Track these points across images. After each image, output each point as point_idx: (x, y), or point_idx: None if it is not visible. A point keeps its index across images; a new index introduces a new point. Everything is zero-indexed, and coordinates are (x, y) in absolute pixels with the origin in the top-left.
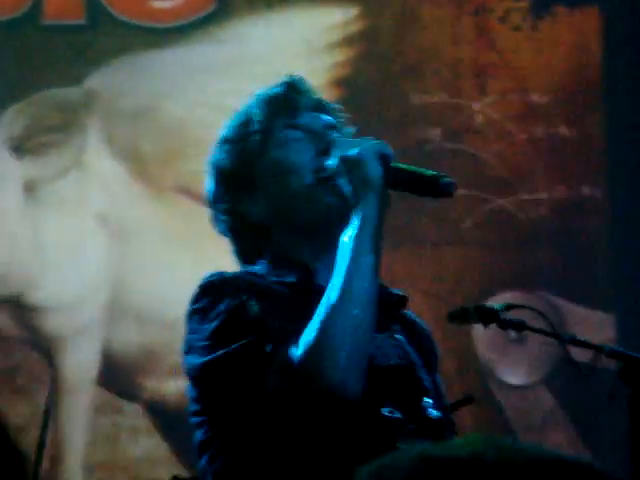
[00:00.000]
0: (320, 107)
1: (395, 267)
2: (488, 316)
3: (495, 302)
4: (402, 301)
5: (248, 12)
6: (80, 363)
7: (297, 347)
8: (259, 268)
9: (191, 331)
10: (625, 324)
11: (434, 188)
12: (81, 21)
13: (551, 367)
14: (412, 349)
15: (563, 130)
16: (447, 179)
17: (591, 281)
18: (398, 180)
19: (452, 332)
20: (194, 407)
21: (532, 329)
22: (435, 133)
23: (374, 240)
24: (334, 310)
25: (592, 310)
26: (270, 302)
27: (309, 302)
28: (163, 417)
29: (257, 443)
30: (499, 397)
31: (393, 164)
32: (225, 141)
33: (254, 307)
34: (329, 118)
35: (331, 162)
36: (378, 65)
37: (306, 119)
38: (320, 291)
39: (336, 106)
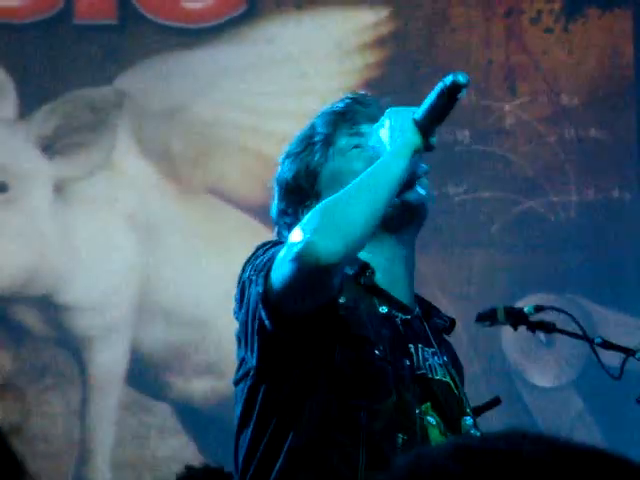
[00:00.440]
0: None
1: (424, 269)
2: (517, 318)
3: (524, 304)
4: (452, 325)
5: (278, 13)
6: (109, 362)
7: None
8: None
9: (241, 278)
10: None
11: (452, 94)
12: (112, 21)
13: (580, 370)
14: (455, 371)
15: (594, 132)
16: (450, 76)
17: (620, 284)
18: (426, 120)
19: (480, 333)
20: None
21: (561, 331)
22: (465, 134)
23: (405, 158)
24: (340, 193)
25: (621, 314)
26: None
27: (364, 296)
28: (191, 416)
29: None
30: (527, 399)
31: (417, 114)
32: (289, 155)
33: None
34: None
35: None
36: (408, 67)
37: (367, 128)
38: (376, 290)
39: None
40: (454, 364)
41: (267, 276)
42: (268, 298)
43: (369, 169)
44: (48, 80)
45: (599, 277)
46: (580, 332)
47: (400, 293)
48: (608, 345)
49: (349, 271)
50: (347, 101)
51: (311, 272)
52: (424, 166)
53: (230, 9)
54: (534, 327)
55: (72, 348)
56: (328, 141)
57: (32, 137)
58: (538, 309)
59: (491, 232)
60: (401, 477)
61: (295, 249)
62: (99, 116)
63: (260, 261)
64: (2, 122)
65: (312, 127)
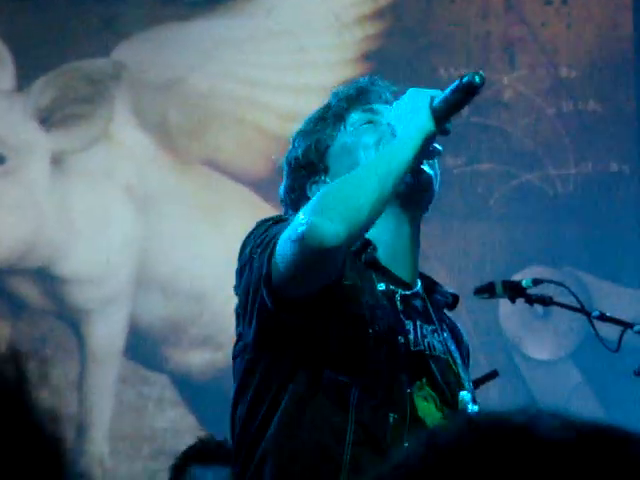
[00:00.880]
0: (392, 103)
1: (422, 241)
2: (515, 291)
3: (522, 277)
4: (455, 300)
5: None
6: (107, 334)
7: None
8: None
9: (239, 261)
10: None
11: (467, 92)
12: None
13: (577, 343)
14: (455, 347)
15: (592, 105)
16: (467, 76)
17: (618, 257)
18: (443, 110)
19: (478, 306)
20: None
21: (559, 304)
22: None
23: (416, 142)
24: (348, 175)
25: (619, 286)
26: None
27: (364, 270)
28: (188, 388)
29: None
30: (525, 372)
31: (436, 101)
32: (300, 133)
33: (287, 222)
34: None
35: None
36: (407, 39)
37: (380, 107)
38: (377, 266)
39: None
40: (457, 341)
41: (271, 255)
42: (270, 278)
43: (379, 152)
44: (46, 52)
45: (597, 250)
46: (578, 305)
47: (401, 270)
48: (606, 318)
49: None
50: (361, 82)
51: (314, 254)
52: (438, 147)
53: None
54: (532, 300)
55: (70, 320)
56: (340, 116)
57: (30, 109)
58: (536, 282)
59: (489, 205)
60: (416, 455)
61: (300, 230)
62: (97, 88)
63: (263, 239)
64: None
65: (326, 106)
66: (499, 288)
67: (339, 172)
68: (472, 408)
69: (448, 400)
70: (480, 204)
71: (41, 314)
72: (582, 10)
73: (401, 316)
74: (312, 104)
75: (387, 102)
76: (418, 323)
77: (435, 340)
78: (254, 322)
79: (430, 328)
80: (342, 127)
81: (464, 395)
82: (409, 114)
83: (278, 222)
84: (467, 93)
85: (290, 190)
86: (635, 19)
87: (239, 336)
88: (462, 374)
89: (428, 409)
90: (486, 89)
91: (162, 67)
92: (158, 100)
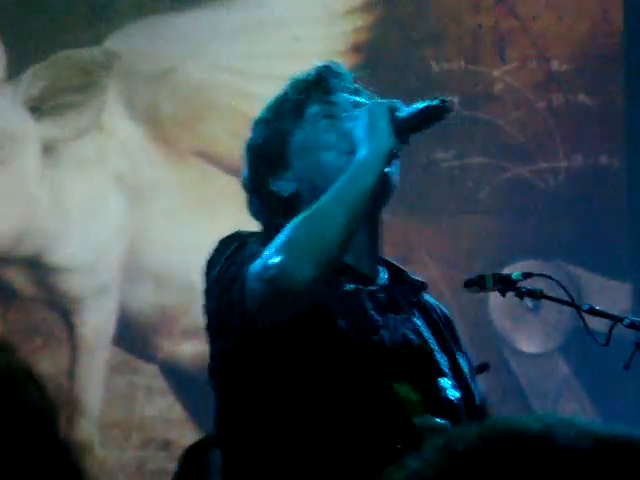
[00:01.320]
0: (355, 90)
1: (411, 236)
2: (506, 284)
3: (512, 271)
4: (422, 287)
5: None
6: (97, 323)
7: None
8: None
9: (204, 282)
10: None
11: (431, 115)
12: None
13: (567, 336)
14: (430, 333)
15: (583, 98)
16: (436, 100)
17: (608, 250)
18: (404, 125)
19: (467, 300)
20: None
21: (550, 298)
22: (454, 100)
23: (378, 166)
24: (316, 209)
25: (609, 279)
26: None
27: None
28: (178, 377)
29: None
30: (514, 365)
31: (399, 114)
32: (260, 121)
33: (253, 244)
34: (363, 100)
35: (344, 125)
36: (398, 31)
37: (339, 99)
38: (346, 272)
39: (370, 93)
40: (434, 324)
41: (242, 290)
42: (243, 310)
43: (344, 179)
44: (37, 41)
45: (587, 243)
46: (568, 298)
47: (364, 265)
48: (596, 312)
49: None
50: (320, 69)
51: (285, 295)
52: (399, 145)
53: None
54: (522, 294)
55: (61, 309)
56: (299, 108)
57: (20, 98)
58: (526, 275)
59: (479, 198)
60: (431, 462)
61: (271, 272)
62: (88, 77)
63: (230, 266)
64: None
65: (284, 93)
66: (489, 281)
67: (301, 164)
68: (453, 394)
69: (426, 389)
70: (470, 198)
71: (32, 303)
72: (573, 3)
73: (372, 313)
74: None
75: (346, 90)
76: (390, 315)
77: (408, 330)
78: (226, 348)
79: (400, 318)
80: (301, 120)
81: (444, 382)
82: (370, 132)
83: (244, 243)
84: (434, 116)
85: (253, 180)
86: (626, 13)
87: (212, 357)
88: (440, 360)
89: (411, 404)
90: (477, 82)
91: (154, 57)
92: (150, 90)
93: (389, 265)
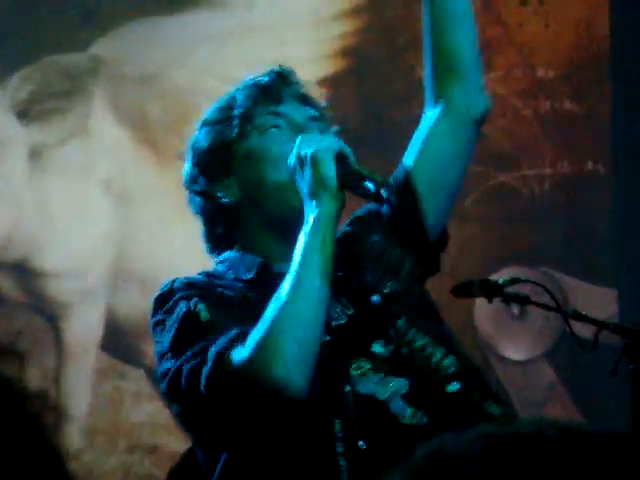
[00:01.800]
0: (305, 100)
1: None
2: (492, 290)
3: (498, 277)
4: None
5: None
6: (84, 328)
7: (244, 346)
8: (218, 267)
9: (155, 344)
10: (627, 300)
11: (377, 197)
12: None
13: (552, 342)
14: (341, 266)
15: (569, 105)
16: (379, 189)
17: (594, 257)
18: (349, 183)
19: (453, 306)
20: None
21: (536, 303)
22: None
23: (327, 239)
24: (282, 307)
25: (595, 285)
26: (222, 304)
27: (267, 299)
28: None
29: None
30: (499, 372)
31: (348, 167)
32: (206, 123)
33: (203, 312)
34: (312, 110)
35: (289, 159)
36: (385, 36)
37: (289, 109)
38: (277, 284)
39: (322, 103)
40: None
41: (211, 382)
42: (203, 399)
43: (299, 262)
44: (23, 46)
45: (573, 250)
46: (554, 304)
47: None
48: (582, 318)
49: (248, 275)
50: (271, 76)
51: (278, 405)
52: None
53: None
54: (509, 299)
55: (47, 314)
56: (246, 116)
57: (7, 103)
58: (513, 281)
59: (465, 205)
60: (425, 466)
61: (268, 385)
62: (75, 82)
63: (182, 343)
64: None
65: (232, 98)
66: (476, 287)
67: (244, 173)
68: (374, 300)
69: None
70: (456, 204)
71: (17, 308)
72: (559, 11)
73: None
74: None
75: (296, 98)
76: (337, 309)
77: (337, 307)
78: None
79: (339, 308)
80: (248, 129)
81: (377, 347)
82: (315, 189)
83: (194, 313)
84: (375, 199)
85: (194, 180)
86: (611, 20)
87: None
88: (383, 320)
89: (366, 379)
90: None
91: (141, 62)
92: (137, 95)
93: None
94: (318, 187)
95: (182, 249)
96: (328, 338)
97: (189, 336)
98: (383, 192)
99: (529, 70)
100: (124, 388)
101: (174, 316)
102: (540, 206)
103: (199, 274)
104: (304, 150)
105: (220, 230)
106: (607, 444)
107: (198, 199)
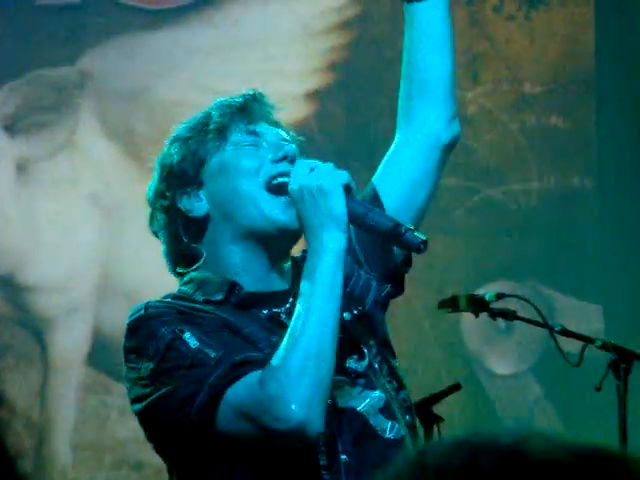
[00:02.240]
0: (277, 123)
1: None
2: (479, 305)
3: (484, 292)
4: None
5: None
6: (70, 343)
7: (245, 381)
8: (184, 288)
9: (129, 370)
10: (613, 315)
11: (395, 240)
12: (75, 1)
13: (539, 357)
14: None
15: (555, 120)
16: (410, 235)
17: (580, 272)
18: (358, 220)
19: (441, 320)
20: (151, 442)
21: (522, 319)
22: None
23: (339, 276)
24: (303, 346)
25: (581, 300)
26: (204, 328)
27: (242, 320)
28: None
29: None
30: (486, 386)
31: (353, 201)
32: (178, 139)
33: (191, 340)
34: (284, 133)
35: (290, 184)
36: (373, 50)
37: (263, 129)
38: (248, 304)
39: (291, 132)
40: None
41: (210, 411)
42: (197, 425)
43: (311, 300)
44: (11, 60)
45: (559, 264)
46: (540, 319)
47: (277, 284)
48: (568, 333)
49: (218, 296)
50: (246, 97)
51: (292, 442)
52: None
53: None
54: (495, 314)
55: (33, 328)
56: (222, 133)
57: None
58: (499, 296)
59: (453, 219)
60: (404, 476)
61: (288, 425)
62: (62, 96)
63: (173, 368)
64: None
65: (207, 115)
66: (462, 302)
67: (217, 187)
68: (345, 316)
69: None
70: (443, 218)
71: (4, 322)
72: (545, 26)
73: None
74: (279, 113)
75: (268, 119)
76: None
77: None
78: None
79: None
80: (222, 145)
81: (351, 362)
82: (323, 224)
83: (177, 336)
84: (399, 244)
85: (161, 196)
86: (596, 35)
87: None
88: (355, 336)
89: (344, 393)
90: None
91: (128, 76)
92: (124, 109)
93: (295, 261)
94: (330, 221)
95: None
96: None
97: (178, 364)
98: (400, 230)
99: (516, 85)
100: (110, 403)
101: (157, 342)
102: (527, 220)
103: (165, 297)
104: (314, 181)
105: (185, 246)
106: (589, 459)
107: (162, 215)
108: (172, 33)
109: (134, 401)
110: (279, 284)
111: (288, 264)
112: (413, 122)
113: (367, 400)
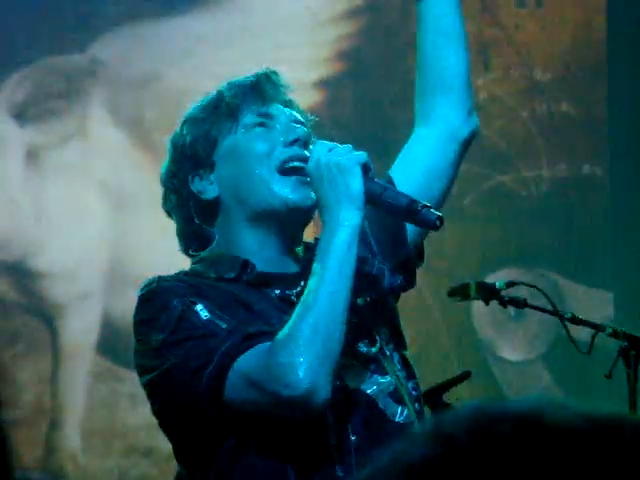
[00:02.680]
0: (290, 104)
1: None
2: (489, 293)
3: (495, 279)
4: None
5: None
6: (80, 330)
7: (255, 351)
8: (196, 267)
9: (139, 343)
10: (623, 302)
11: (411, 217)
12: None
13: (549, 344)
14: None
15: (566, 107)
16: (425, 211)
17: (590, 259)
18: (375, 199)
19: (451, 308)
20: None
21: (533, 307)
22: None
23: (354, 251)
24: (315, 315)
25: (591, 288)
26: (216, 302)
27: (253, 299)
28: None
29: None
30: (496, 373)
31: (370, 180)
32: (190, 119)
33: (203, 311)
34: (297, 114)
35: (309, 163)
36: (382, 38)
37: (275, 110)
38: (260, 283)
39: (305, 112)
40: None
41: (218, 383)
42: (206, 399)
43: (324, 265)
44: (20, 47)
45: (570, 252)
46: (550, 307)
47: (289, 267)
48: (578, 321)
49: (230, 274)
50: (259, 76)
51: (298, 412)
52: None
53: None
54: (505, 302)
55: (43, 315)
56: (234, 114)
57: (4, 104)
58: (510, 284)
59: (463, 206)
60: (421, 445)
61: (292, 393)
62: (72, 84)
63: (183, 338)
64: None
65: (219, 96)
66: (473, 290)
67: (229, 169)
68: (369, 350)
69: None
70: (454, 206)
71: (14, 309)
72: (556, 13)
73: None
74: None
75: (281, 100)
76: None
77: None
78: (178, 420)
79: None
80: (234, 126)
81: (362, 347)
82: (341, 200)
83: (187, 307)
84: (413, 220)
85: (173, 176)
86: (608, 22)
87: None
88: (367, 322)
89: (354, 375)
90: None
91: (138, 64)
92: (134, 97)
93: (307, 246)
94: (347, 199)
95: (177, 251)
96: None
97: (189, 334)
98: (416, 206)
99: (526, 72)
100: (120, 390)
101: (169, 314)
102: (537, 208)
103: (177, 273)
104: (333, 158)
105: (197, 227)
106: (606, 426)
107: (174, 196)
108: (182, 21)
109: (144, 372)
110: (291, 267)
111: (300, 249)
112: (430, 118)
113: (377, 384)
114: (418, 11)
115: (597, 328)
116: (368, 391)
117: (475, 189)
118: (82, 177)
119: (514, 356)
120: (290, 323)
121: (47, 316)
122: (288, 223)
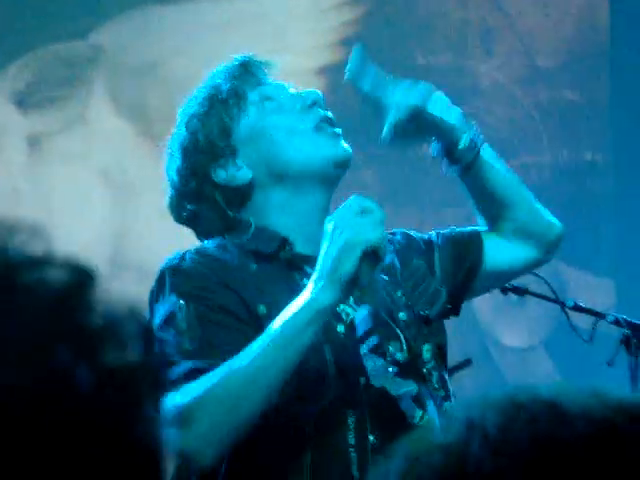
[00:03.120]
0: (279, 82)
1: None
2: None
3: None
4: None
5: None
6: None
7: (184, 391)
8: (238, 240)
9: (151, 313)
10: (625, 290)
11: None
12: None
13: (551, 331)
14: (393, 286)
15: (568, 94)
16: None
17: (593, 246)
18: (362, 286)
19: None
20: None
21: (534, 294)
22: None
23: (311, 331)
24: (233, 373)
25: (593, 276)
26: (211, 305)
27: (284, 273)
28: None
29: None
30: (498, 360)
31: (368, 272)
32: (194, 116)
33: (182, 321)
34: (291, 87)
35: (328, 220)
36: (385, 25)
37: (271, 86)
38: (297, 261)
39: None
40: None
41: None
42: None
43: (271, 340)
44: (22, 35)
45: (571, 239)
46: (552, 295)
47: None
48: (580, 308)
49: (267, 249)
50: (244, 58)
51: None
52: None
53: None
54: (507, 290)
55: None
56: (238, 94)
57: (6, 92)
58: None
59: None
60: (455, 436)
61: (178, 442)
62: (74, 71)
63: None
64: None
65: (214, 86)
66: None
67: (253, 155)
68: (394, 352)
69: (403, 350)
70: (455, 192)
71: None
72: (559, 0)
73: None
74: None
75: (270, 77)
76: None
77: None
78: None
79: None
80: (243, 106)
81: (391, 348)
82: (328, 270)
83: (175, 323)
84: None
85: (190, 174)
86: (612, 10)
87: None
88: (402, 317)
89: (380, 374)
90: (463, 77)
91: (141, 51)
92: (136, 84)
93: None
94: (331, 273)
95: (180, 240)
96: (344, 330)
97: (165, 339)
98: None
99: (529, 59)
100: None
101: (163, 306)
102: (539, 195)
103: (211, 243)
104: (346, 233)
105: (231, 220)
106: (628, 413)
107: (196, 196)
108: (185, 7)
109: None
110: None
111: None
112: (523, 244)
113: (401, 385)
114: (463, 183)
115: (599, 316)
116: (393, 391)
117: None
118: (84, 164)
119: (516, 343)
120: (214, 376)
121: None
122: (330, 182)
